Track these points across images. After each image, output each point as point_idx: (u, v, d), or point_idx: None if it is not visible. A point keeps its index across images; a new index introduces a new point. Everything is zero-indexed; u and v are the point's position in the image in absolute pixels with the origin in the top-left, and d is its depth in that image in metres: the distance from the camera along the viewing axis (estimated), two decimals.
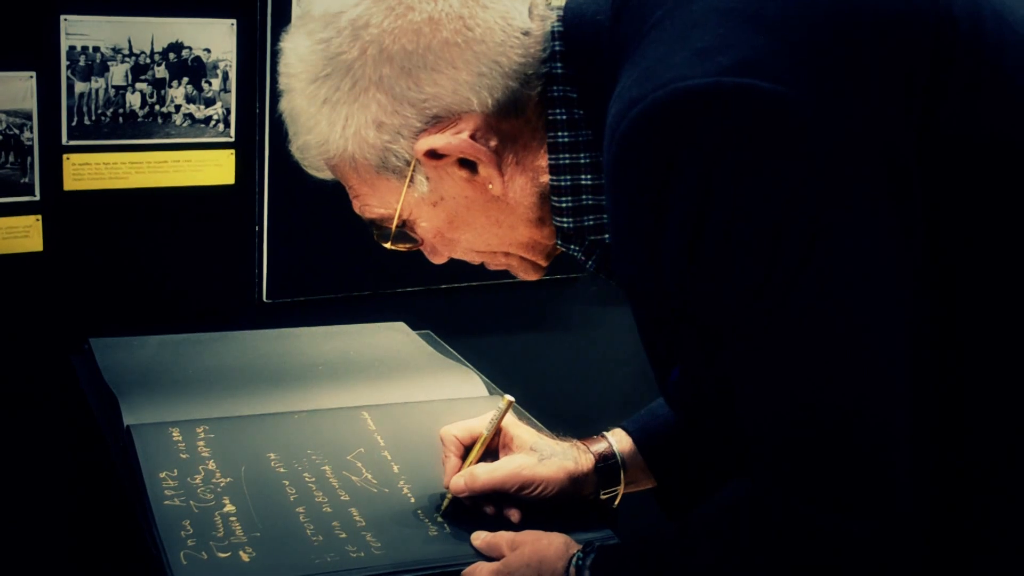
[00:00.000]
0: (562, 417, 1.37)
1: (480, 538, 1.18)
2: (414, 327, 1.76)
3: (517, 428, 1.27)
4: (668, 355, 1.00)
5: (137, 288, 1.73)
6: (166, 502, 1.19)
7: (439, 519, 1.22)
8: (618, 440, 1.28)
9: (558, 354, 2.09)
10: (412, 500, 1.25)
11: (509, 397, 1.25)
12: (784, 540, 0.94)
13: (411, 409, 1.43)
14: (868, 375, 0.87)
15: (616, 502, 1.27)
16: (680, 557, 1.01)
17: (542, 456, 1.23)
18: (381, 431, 1.38)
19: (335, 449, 1.33)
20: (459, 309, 1.96)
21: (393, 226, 1.05)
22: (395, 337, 1.71)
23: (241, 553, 1.12)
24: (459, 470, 1.23)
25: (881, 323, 0.86)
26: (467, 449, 1.25)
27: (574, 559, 1.09)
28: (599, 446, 1.27)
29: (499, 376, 1.59)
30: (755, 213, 0.84)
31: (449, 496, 1.24)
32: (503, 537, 1.16)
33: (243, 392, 1.45)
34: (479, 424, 1.25)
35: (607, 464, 1.26)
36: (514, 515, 1.22)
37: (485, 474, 1.21)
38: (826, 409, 0.87)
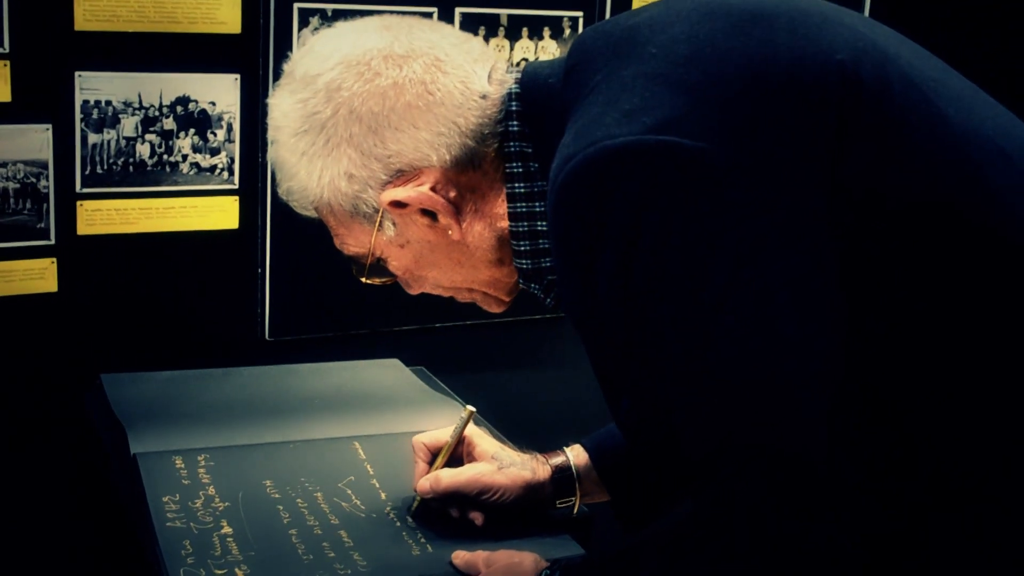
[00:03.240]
0: (548, 445, 1.45)
1: (460, 556, 1.27)
2: (408, 363, 1.85)
3: (481, 439, 1.37)
4: (616, 384, 1.09)
5: (146, 327, 1.84)
6: (168, 524, 1.29)
7: (421, 540, 1.31)
8: (575, 455, 1.37)
9: (546, 389, 2.18)
10: (397, 524, 1.34)
11: (470, 408, 1.35)
12: (728, 552, 1.02)
13: (400, 440, 1.51)
14: (791, 395, 0.95)
15: (574, 511, 1.37)
16: (633, 571, 1.10)
17: (502, 465, 1.34)
18: (371, 460, 1.47)
19: (327, 477, 1.42)
20: (452, 346, 2.05)
21: (367, 263, 1.16)
22: (389, 373, 1.81)
23: (237, 571, 1.22)
24: (426, 474, 1.34)
25: (800, 345, 0.95)
26: (435, 456, 1.36)
27: (542, 575, 1.18)
28: (557, 459, 1.37)
29: (490, 409, 1.67)
30: (677, 251, 0.94)
31: (418, 498, 1.35)
32: (480, 556, 1.25)
33: (243, 423, 1.54)
34: (446, 433, 1.36)
35: (562, 476, 1.36)
36: (477, 518, 1.32)
37: (448, 478, 1.32)
38: (752, 429, 0.96)
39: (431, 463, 1.36)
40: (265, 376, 1.74)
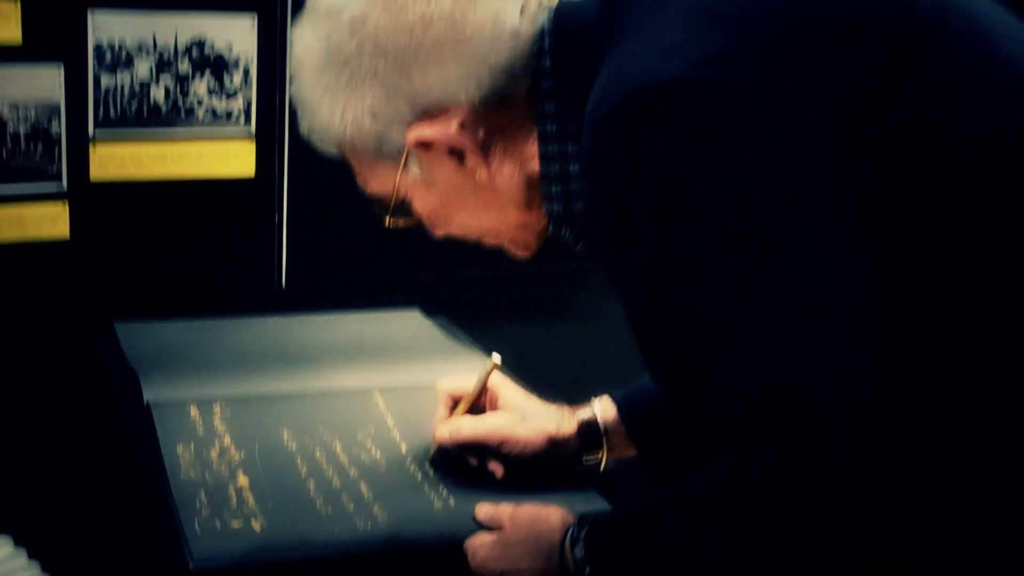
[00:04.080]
0: (573, 401, 1.41)
1: (483, 511, 1.23)
2: (429, 314, 1.81)
3: (506, 389, 1.33)
4: (650, 333, 1.05)
5: (160, 274, 1.79)
6: (182, 475, 1.25)
7: (443, 493, 1.27)
8: (603, 408, 1.33)
9: (571, 342, 2.13)
10: (418, 478, 1.30)
11: (495, 359, 1.31)
12: (757, 517, 0.98)
13: (421, 392, 1.47)
14: (830, 349, 0.90)
15: (601, 467, 1.33)
16: (661, 529, 1.06)
17: (525, 416, 1.30)
18: (392, 412, 1.43)
19: (346, 428, 1.38)
20: (474, 297, 2.00)
21: (390, 205, 1.11)
22: (409, 323, 1.77)
23: (253, 522, 1.18)
24: (447, 421, 1.30)
25: (839, 297, 0.90)
26: (457, 404, 1.32)
27: (570, 532, 1.14)
28: (584, 412, 1.33)
29: (512, 361, 1.63)
30: (716, 198, 0.88)
31: (435, 445, 1.31)
32: (504, 510, 1.21)
33: (259, 373, 1.50)
34: (471, 382, 1.33)
35: (589, 430, 1.32)
36: (497, 470, 1.29)
37: (468, 427, 1.29)
38: (792, 384, 0.91)
39: (453, 411, 1.33)
40: (282, 326, 1.70)
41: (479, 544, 1.18)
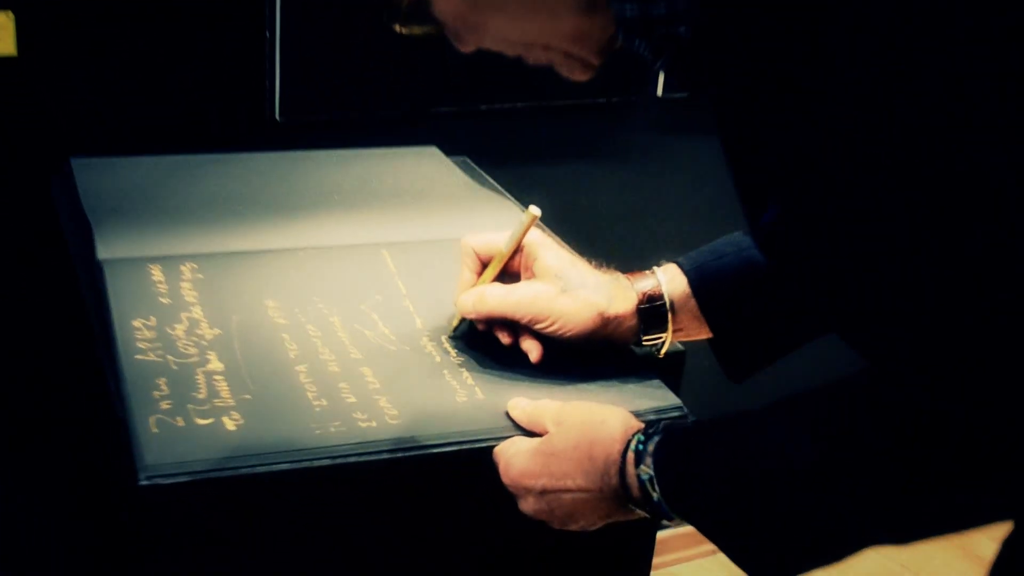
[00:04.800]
0: (612, 257, 1.15)
1: (519, 408, 0.97)
2: (448, 153, 1.52)
3: (546, 251, 1.06)
4: (767, 186, 0.76)
5: (129, 101, 1.50)
6: (138, 355, 0.98)
7: (468, 381, 1.01)
8: (669, 278, 1.06)
9: (612, 187, 1.85)
10: (437, 360, 1.04)
11: (534, 210, 1.04)
12: (906, 433, 0.72)
13: (440, 248, 1.20)
14: None
15: (662, 351, 1.08)
16: (769, 443, 0.80)
17: (568, 287, 1.03)
18: (403, 275, 1.16)
19: (347, 296, 1.11)
20: (501, 134, 1.72)
21: (403, 4, 0.82)
22: (425, 163, 1.48)
23: (225, 420, 0.92)
24: (472, 287, 1.05)
25: None
26: (485, 266, 1.07)
27: (633, 442, 0.88)
28: (645, 283, 1.06)
29: (543, 210, 1.36)
30: None
31: (458, 316, 1.06)
32: (547, 409, 0.95)
33: (243, 224, 1.22)
34: (502, 239, 1.06)
35: (652, 306, 1.05)
36: (532, 351, 1.04)
37: (496, 297, 1.04)
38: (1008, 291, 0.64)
39: (481, 274, 1.07)
40: (273, 164, 1.41)
41: (513, 452, 0.93)
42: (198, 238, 1.17)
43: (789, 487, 0.78)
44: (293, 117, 1.58)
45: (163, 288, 1.08)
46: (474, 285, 1.06)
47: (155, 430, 0.90)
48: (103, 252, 1.12)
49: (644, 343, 1.07)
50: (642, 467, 0.86)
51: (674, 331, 1.07)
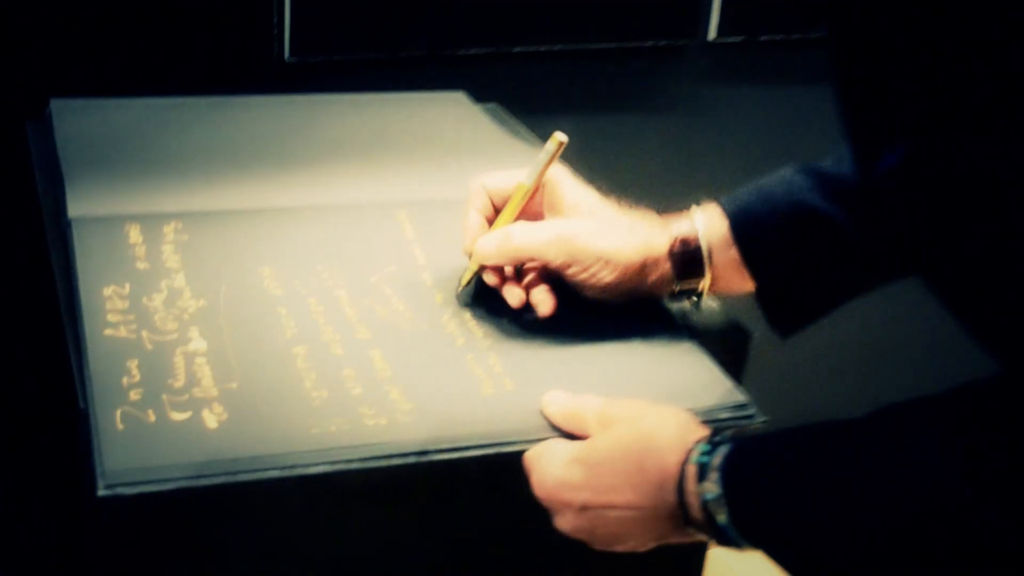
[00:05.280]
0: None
1: (556, 404, 0.81)
2: (477, 99, 1.36)
3: (572, 186, 0.92)
4: (893, 129, 0.60)
5: (120, 37, 1.34)
6: (107, 331, 0.83)
7: (495, 369, 0.85)
8: (707, 221, 0.92)
9: (657, 141, 1.68)
10: (460, 342, 0.88)
11: (561, 136, 0.90)
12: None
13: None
14: None
15: (699, 303, 0.94)
16: (898, 462, 0.63)
17: (601, 225, 0.89)
18: (422, 240, 1.00)
19: (355, 265, 0.95)
20: (535, 79, 1.55)
21: None
22: (451, 111, 1.31)
23: (206, 414, 0.77)
24: (485, 232, 0.91)
25: None
26: (497, 210, 0.93)
27: (694, 454, 0.72)
28: (680, 226, 0.92)
29: (580, 163, 1.20)
30: None
31: (471, 268, 0.91)
32: (589, 407, 0.79)
33: (238, 177, 1.07)
34: (520, 175, 0.92)
35: (686, 250, 0.91)
36: (546, 304, 0.90)
37: (523, 235, 0.89)
38: None
39: (493, 220, 0.93)
40: (278, 110, 1.25)
41: (549, 459, 0.77)
42: (185, 193, 1.02)
43: (931, 519, 0.62)
44: (303, 56, 1.42)
45: (140, 251, 0.92)
46: (488, 230, 0.92)
47: (120, 426, 0.75)
48: (74, 208, 0.96)
49: (677, 290, 0.92)
50: (705, 484, 0.70)
51: (712, 281, 0.92)
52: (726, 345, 0.95)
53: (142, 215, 0.96)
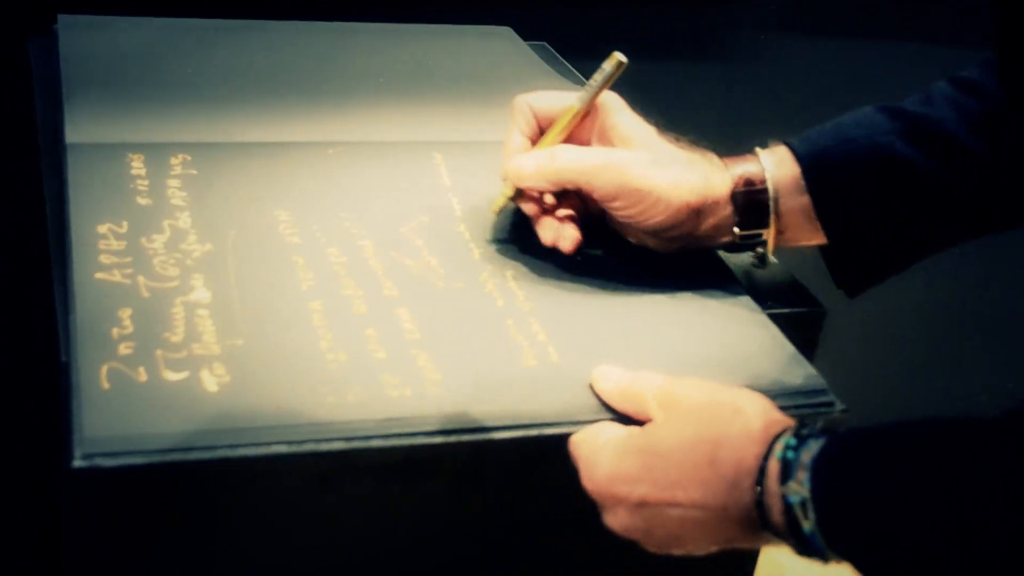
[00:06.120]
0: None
1: (610, 380, 0.70)
2: (525, 37, 1.24)
3: (624, 115, 0.82)
4: None
5: None
6: (99, 274, 0.73)
7: (537, 336, 0.74)
8: (776, 162, 0.81)
9: (714, 87, 1.56)
10: (499, 303, 0.77)
11: (620, 57, 0.80)
12: None
13: None
14: None
15: (765, 256, 0.83)
16: (1011, 467, 0.53)
17: (659, 157, 0.79)
18: (458, 187, 0.89)
19: (384, 212, 0.84)
20: (587, 19, 1.44)
21: None
22: (496, 47, 1.20)
23: (204, 375, 0.66)
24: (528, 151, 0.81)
25: None
26: (542, 132, 0.83)
27: (779, 447, 0.61)
28: (745, 166, 0.81)
29: (633, 104, 1.09)
30: None
31: (505, 192, 0.81)
32: (649, 385, 0.68)
33: (258, 107, 0.96)
34: (571, 98, 0.82)
35: (750, 192, 0.80)
36: (568, 241, 0.80)
37: (569, 156, 0.79)
38: None
39: (538, 140, 0.83)
40: (306, 36, 1.13)
41: (602, 446, 0.66)
42: (198, 123, 0.91)
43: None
44: None
45: (143, 185, 0.82)
46: (527, 151, 0.81)
47: (106, 385, 0.64)
48: (73, 133, 0.86)
49: (738, 238, 0.81)
50: (792, 484, 0.60)
51: (777, 231, 0.82)
52: (793, 318, 0.84)
53: (148, 144, 0.86)
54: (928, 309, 1.70)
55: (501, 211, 0.84)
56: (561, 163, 0.79)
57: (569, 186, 0.80)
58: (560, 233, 0.81)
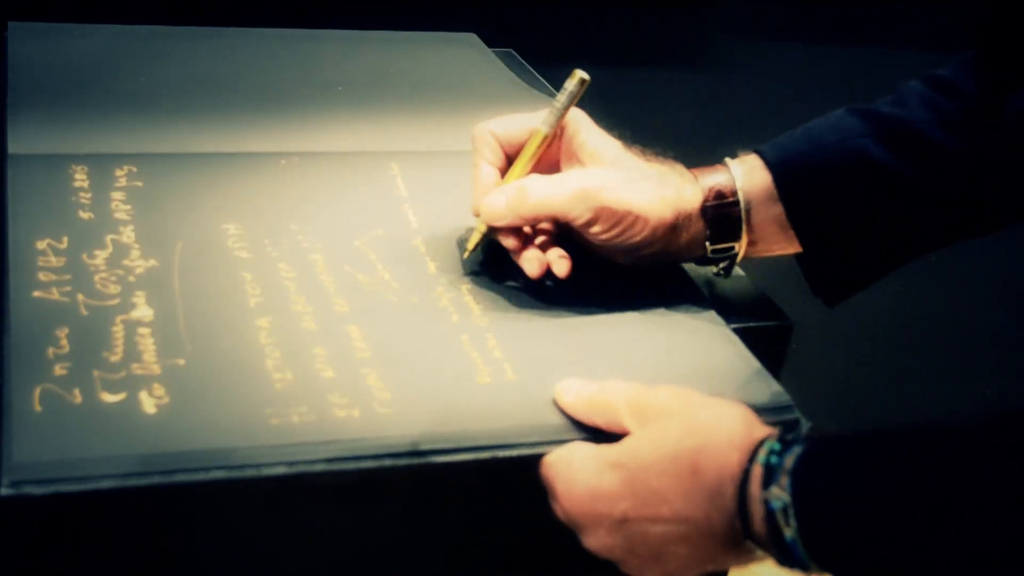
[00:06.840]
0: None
1: (572, 393, 0.67)
2: (490, 44, 1.22)
3: (593, 132, 0.80)
4: None
5: None
6: (36, 292, 0.70)
7: (494, 354, 0.72)
8: (746, 172, 0.79)
9: (686, 98, 1.54)
10: (454, 319, 0.75)
11: (582, 74, 0.78)
12: None
13: (469, 165, 0.90)
14: None
15: (733, 265, 0.82)
16: (997, 472, 0.51)
17: (630, 175, 0.77)
18: (416, 199, 0.86)
19: (337, 225, 0.82)
20: (554, 26, 1.42)
21: None
22: (461, 54, 1.18)
23: (143, 397, 0.64)
24: (496, 185, 0.78)
25: None
26: (510, 160, 0.80)
27: (762, 453, 0.59)
28: (714, 177, 0.79)
29: (601, 115, 1.07)
30: None
31: (479, 230, 0.78)
32: (619, 395, 0.65)
33: (210, 117, 0.93)
34: (534, 121, 0.79)
35: (720, 205, 0.79)
36: (561, 265, 0.77)
37: (541, 190, 0.76)
38: None
39: (505, 171, 0.80)
40: (264, 43, 1.11)
41: (580, 465, 0.64)
42: (146, 133, 0.88)
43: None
44: None
45: (86, 198, 0.79)
46: (498, 184, 0.79)
47: (38, 408, 0.62)
48: (15, 144, 0.83)
49: (710, 252, 0.80)
50: (773, 489, 0.57)
51: (749, 242, 0.80)
52: (759, 332, 0.81)
53: (92, 155, 0.83)
54: (897, 321, 1.69)
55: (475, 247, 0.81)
56: (535, 200, 0.76)
57: (545, 220, 0.78)
58: (547, 260, 0.78)
